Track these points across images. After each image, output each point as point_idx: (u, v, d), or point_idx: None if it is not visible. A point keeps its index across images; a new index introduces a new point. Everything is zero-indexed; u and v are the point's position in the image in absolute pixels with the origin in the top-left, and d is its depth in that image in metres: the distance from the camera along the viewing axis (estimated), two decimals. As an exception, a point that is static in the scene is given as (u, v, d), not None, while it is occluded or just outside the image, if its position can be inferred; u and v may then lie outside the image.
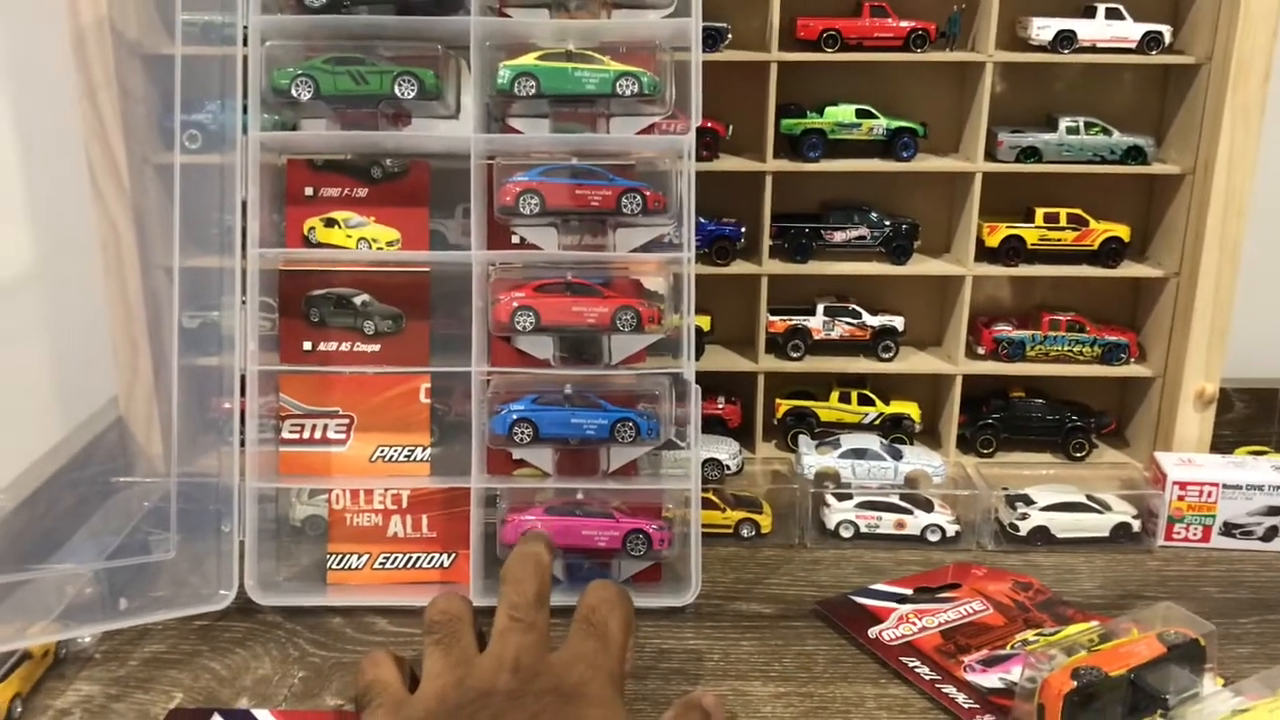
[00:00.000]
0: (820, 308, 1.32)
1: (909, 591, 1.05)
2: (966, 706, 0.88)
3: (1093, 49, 1.22)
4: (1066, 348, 1.30)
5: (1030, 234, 1.27)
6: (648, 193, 1.01)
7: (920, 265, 1.30)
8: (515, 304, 1.01)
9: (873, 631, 0.98)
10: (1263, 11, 1.14)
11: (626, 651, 0.80)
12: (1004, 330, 1.31)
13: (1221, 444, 1.28)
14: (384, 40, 1.02)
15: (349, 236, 1.05)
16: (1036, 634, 0.97)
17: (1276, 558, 1.13)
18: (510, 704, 0.71)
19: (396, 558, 1.06)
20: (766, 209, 1.25)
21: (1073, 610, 1.02)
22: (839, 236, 1.29)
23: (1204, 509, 1.15)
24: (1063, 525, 1.15)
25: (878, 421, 1.32)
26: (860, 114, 1.26)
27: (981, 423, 1.32)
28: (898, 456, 1.23)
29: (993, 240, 1.27)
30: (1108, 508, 1.16)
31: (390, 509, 1.06)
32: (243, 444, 1.00)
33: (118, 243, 1.17)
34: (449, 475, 1.05)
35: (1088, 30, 1.22)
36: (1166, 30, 1.22)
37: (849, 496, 1.17)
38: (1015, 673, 0.88)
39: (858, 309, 1.32)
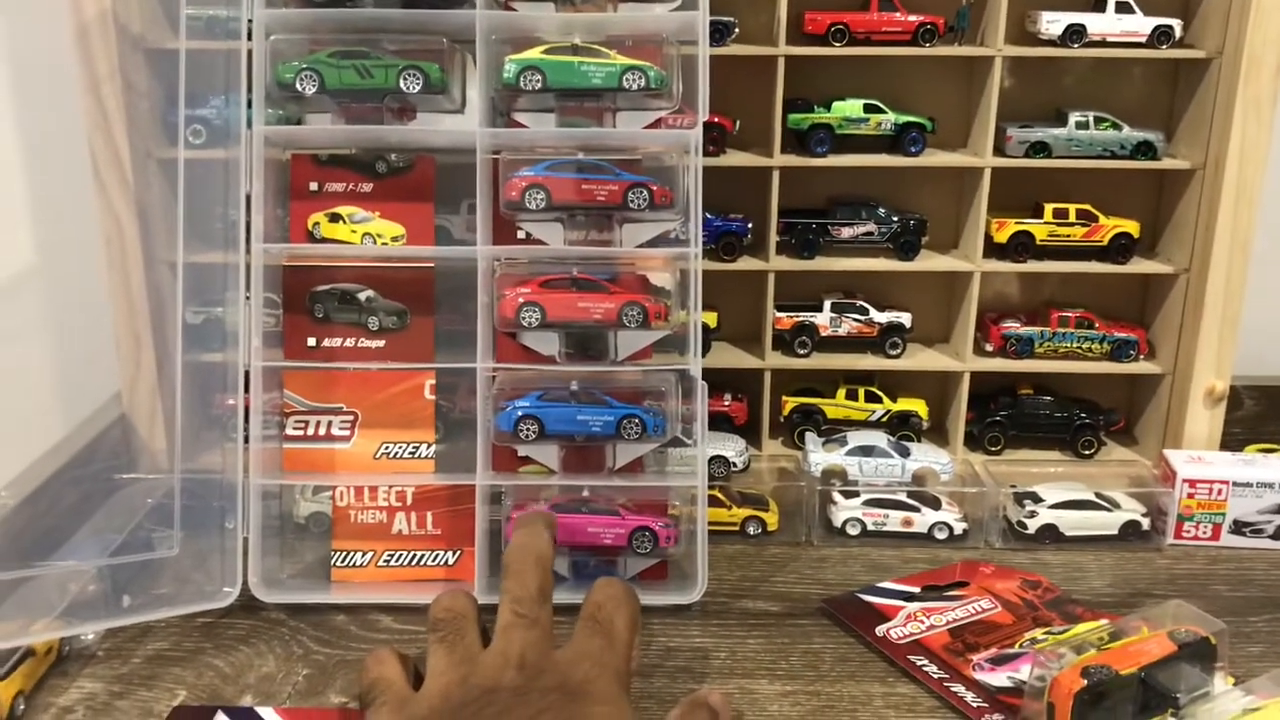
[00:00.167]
0: (827, 304, 1.31)
1: (917, 589, 1.04)
2: (975, 705, 0.87)
3: (1102, 43, 1.22)
4: (1075, 344, 1.30)
5: (1039, 230, 1.27)
6: (654, 188, 1.01)
7: (928, 261, 1.30)
8: (521, 300, 1.01)
9: (880, 630, 0.97)
10: (1274, 5, 1.13)
11: (632, 649, 0.80)
12: (1012, 327, 1.30)
13: (1231, 441, 1.27)
14: (389, 34, 1.02)
15: (354, 232, 1.04)
16: (1045, 632, 0.96)
17: (1287, 556, 1.13)
18: (515, 701, 0.71)
19: (401, 555, 1.05)
20: (774, 204, 1.25)
21: (1082, 608, 1.01)
22: (846, 232, 1.29)
23: (1214, 507, 1.14)
24: (1071, 523, 1.14)
25: (885, 419, 1.32)
26: (868, 109, 1.25)
27: (989, 420, 1.31)
28: (905, 454, 1.22)
29: (1001, 236, 1.27)
30: (1117, 505, 1.15)
31: (395, 506, 1.05)
32: (246, 440, 1.00)
33: (121, 238, 1.17)
34: (454, 472, 1.04)
35: (1097, 24, 1.21)
36: (1177, 24, 1.21)
37: (856, 494, 1.16)
38: (1024, 671, 0.88)
39: (865, 305, 1.31)
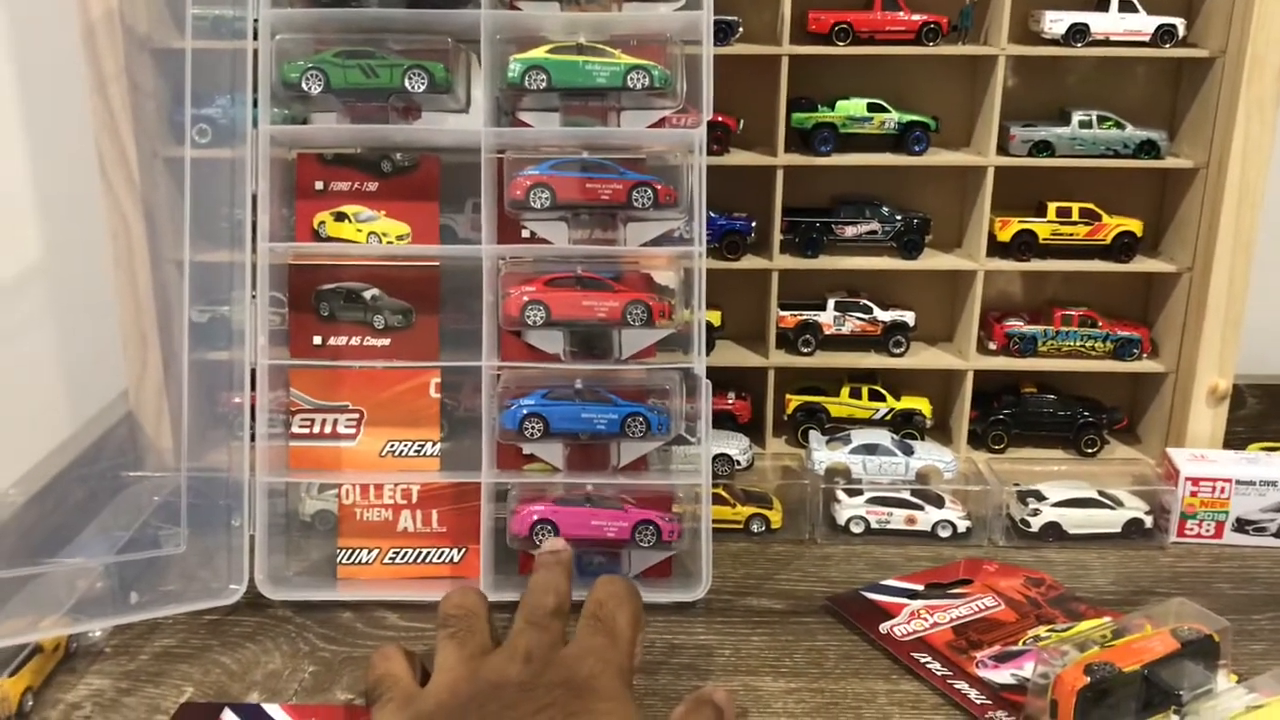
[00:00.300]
0: (831, 303, 1.31)
1: (920, 587, 1.04)
2: (979, 702, 0.88)
3: (1106, 42, 1.22)
4: (1078, 343, 1.30)
5: (1042, 229, 1.27)
6: (658, 187, 1.01)
7: (931, 260, 1.30)
8: (525, 298, 1.01)
9: (884, 627, 0.98)
10: (1277, 4, 1.13)
11: (635, 646, 0.80)
12: (1016, 325, 1.30)
13: (1234, 440, 1.27)
14: (394, 33, 1.02)
15: (359, 231, 1.05)
16: (1049, 630, 0.97)
17: (1290, 554, 1.13)
18: (521, 695, 0.72)
19: (406, 553, 1.06)
20: (777, 203, 1.25)
21: (1085, 606, 1.01)
22: (850, 231, 1.29)
23: (1217, 505, 1.14)
24: (1074, 521, 1.14)
25: (888, 417, 1.32)
26: (872, 108, 1.25)
27: (993, 418, 1.31)
28: (909, 452, 1.23)
29: (1004, 235, 1.27)
30: (1120, 504, 1.15)
31: (400, 504, 1.06)
32: (253, 439, 1.00)
33: (128, 237, 1.17)
34: (459, 470, 1.05)
35: (1101, 23, 1.21)
36: (1180, 23, 1.21)
37: (860, 492, 1.17)
38: (1028, 669, 0.88)
39: (869, 304, 1.31)
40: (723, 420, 1.30)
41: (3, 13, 1.35)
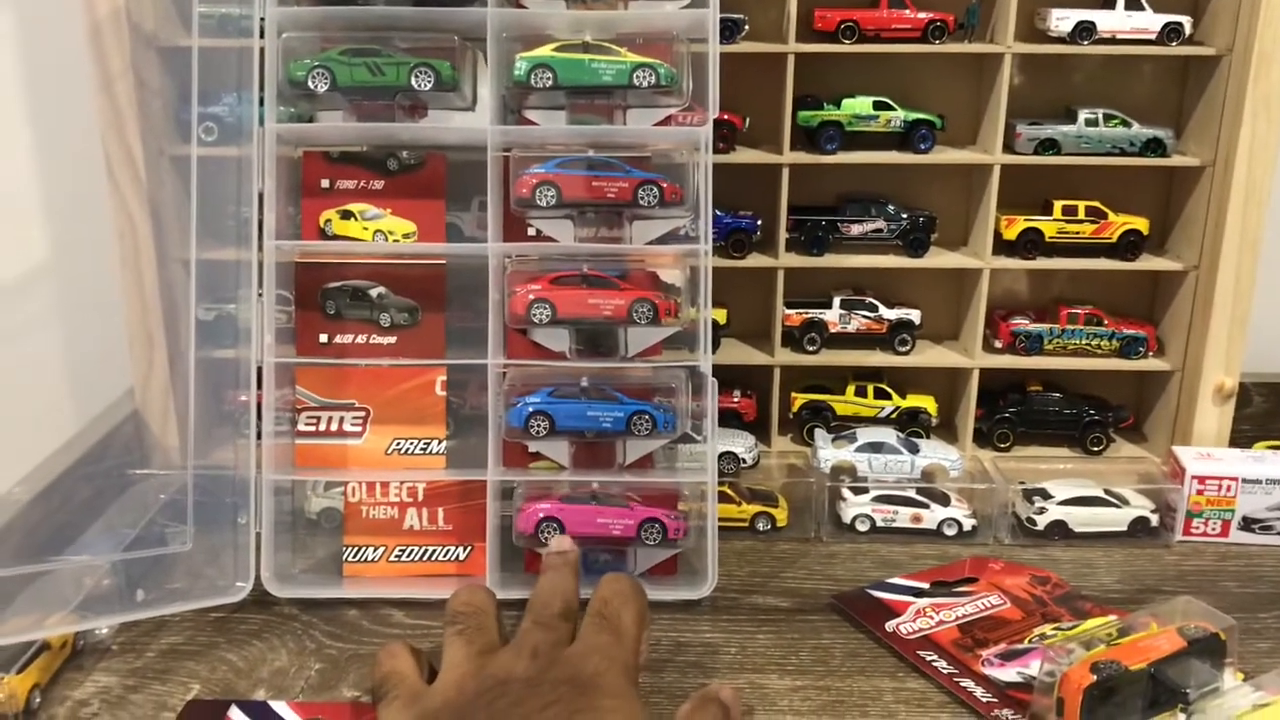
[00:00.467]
0: (836, 301, 1.31)
1: (926, 585, 1.04)
2: (985, 700, 0.88)
3: (1112, 40, 1.21)
4: (1084, 341, 1.30)
5: (1048, 227, 1.27)
6: (664, 185, 1.01)
7: (937, 258, 1.30)
8: (531, 296, 1.01)
9: (890, 625, 0.98)
10: (1284, 2, 1.13)
11: (641, 644, 0.80)
12: (1021, 323, 1.30)
13: (1240, 439, 1.27)
14: (400, 32, 1.02)
15: (365, 229, 1.05)
16: (1055, 628, 0.96)
17: (1297, 553, 1.13)
18: (527, 692, 0.72)
19: (412, 550, 1.06)
20: (783, 201, 1.25)
21: (1091, 604, 1.01)
22: (856, 229, 1.29)
23: (1223, 504, 1.14)
24: (1080, 519, 1.14)
25: (894, 415, 1.32)
26: (878, 106, 1.25)
27: (998, 416, 1.31)
28: (914, 450, 1.23)
29: (1010, 233, 1.27)
30: (1125, 502, 1.15)
31: (406, 502, 1.06)
32: (259, 436, 1.01)
33: (134, 235, 1.17)
34: (465, 468, 1.05)
35: (1107, 21, 1.21)
36: (1187, 21, 1.21)
37: (865, 490, 1.17)
38: (1034, 667, 0.88)
39: (874, 302, 1.31)
40: (728, 418, 1.30)
41: (9, 11, 1.35)
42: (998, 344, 1.31)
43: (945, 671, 0.91)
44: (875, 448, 1.22)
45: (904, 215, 1.29)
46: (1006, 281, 1.35)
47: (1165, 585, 1.07)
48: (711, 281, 1.00)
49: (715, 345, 1.27)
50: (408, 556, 1.06)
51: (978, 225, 1.28)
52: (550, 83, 1.01)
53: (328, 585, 1.04)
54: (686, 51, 1.02)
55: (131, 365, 1.22)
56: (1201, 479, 1.14)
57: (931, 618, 0.99)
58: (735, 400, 1.31)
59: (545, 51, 1.01)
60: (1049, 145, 1.24)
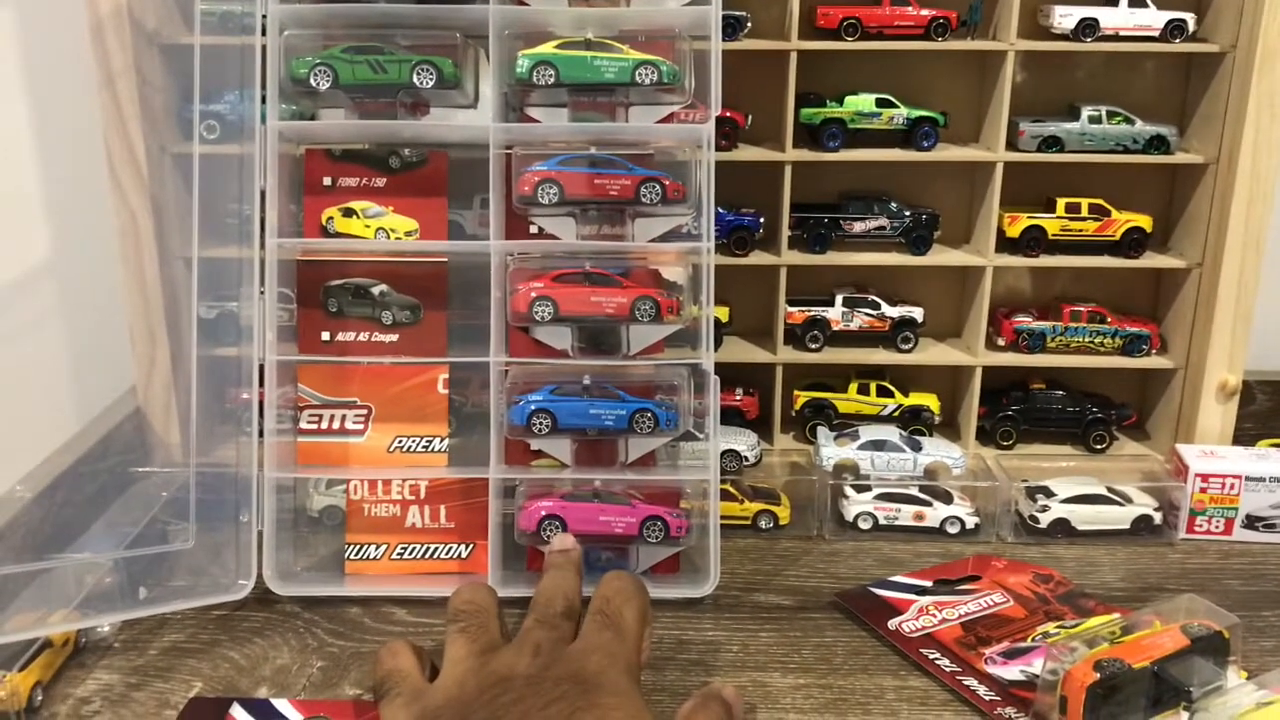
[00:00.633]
0: (839, 299, 1.31)
1: (928, 583, 1.04)
2: (988, 699, 0.87)
3: (1115, 37, 1.21)
4: (1087, 339, 1.30)
5: (1051, 224, 1.27)
6: (667, 182, 1.01)
7: (940, 256, 1.29)
8: (533, 294, 1.01)
9: (892, 623, 0.97)
10: (1289, -1, 1.13)
11: (643, 642, 0.80)
12: (1024, 321, 1.30)
13: (1243, 437, 1.27)
14: (402, 29, 1.02)
15: (367, 226, 1.05)
16: (1058, 626, 0.96)
17: (1300, 551, 1.13)
18: (529, 689, 0.72)
19: (414, 548, 1.06)
20: (786, 199, 1.25)
21: (1094, 602, 1.01)
22: (858, 227, 1.29)
23: (1226, 501, 1.14)
24: (1083, 517, 1.14)
25: (897, 413, 1.32)
26: (880, 103, 1.25)
27: (1001, 414, 1.31)
28: (917, 448, 1.22)
29: (1013, 231, 1.27)
30: (1128, 500, 1.15)
31: (408, 499, 1.06)
32: (261, 434, 1.01)
33: (136, 233, 1.17)
34: (467, 466, 1.05)
35: (1110, 18, 1.21)
36: (1190, 18, 1.21)
37: (868, 488, 1.17)
38: (1037, 665, 0.88)
39: (877, 300, 1.31)
40: (731, 416, 1.30)
41: (11, 9, 1.35)
42: (1000, 342, 1.31)
43: (948, 670, 0.91)
44: (878, 445, 1.22)
45: (907, 213, 1.29)
46: (1009, 279, 1.35)
47: (1168, 583, 1.07)
48: (714, 279, 1.00)
49: (717, 343, 1.26)
50: (410, 554, 1.06)
51: (980, 223, 1.28)
52: (552, 80, 1.01)
53: (330, 583, 1.04)
54: (689, 49, 1.02)
55: (133, 363, 1.22)
56: (1205, 477, 1.14)
57: (934, 616, 0.99)
58: (737, 398, 1.31)
59: (547, 49, 1.01)
60: (1052, 143, 1.24)
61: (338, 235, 1.05)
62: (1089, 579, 1.07)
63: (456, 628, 0.79)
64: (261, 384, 1.01)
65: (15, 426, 1.31)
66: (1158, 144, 1.24)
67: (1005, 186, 1.24)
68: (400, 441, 1.06)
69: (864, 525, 1.15)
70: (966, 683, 0.89)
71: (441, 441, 1.06)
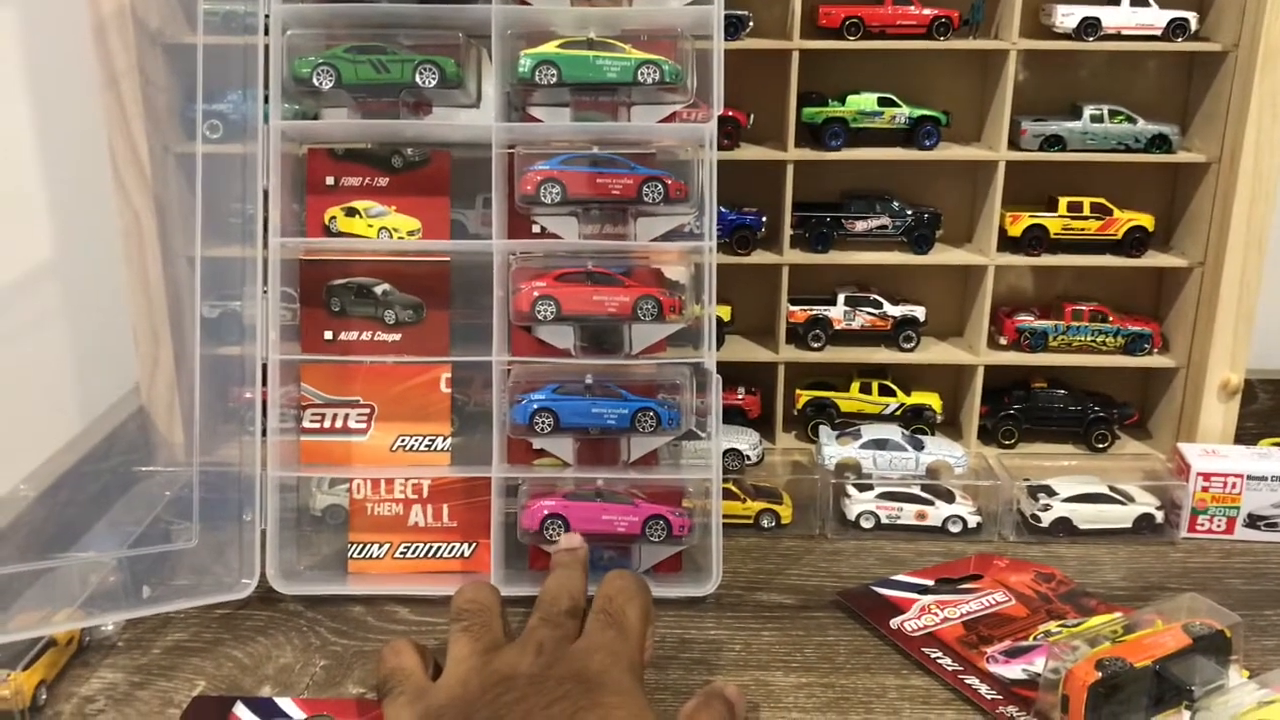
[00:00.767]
0: (841, 298, 1.31)
1: (930, 582, 1.04)
2: (989, 697, 0.88)
3: (1117, 36, 1.21)
4: (1089, 338, 1.30)
5: (1053, 223, 1.27)
6: (669, 182, 1.01)
7: (942, 255, 1.29)
8: (536, 293, 1.01)
9: (894, 622, 0.98)
10: (1291, -2, 1.13)
11: (645, 641, 0.80)
12: (1026, 320, 1.30)
13: (1245, 436, 1.27)
14: (405, 29, 1.02)
15: (370, 226, 1.05)
16: (1059, 625, 0.96)
17: (1302, 550, 1.13)
18: (532, 688, 0.72)
19: (417, 547, 1.06)
20: (788, 198, 1.25)
21: (1096, 601, 1.01)
22: (860, 226, 1.29)
23: (1228, 500, 1.14)
24: (1085, 516, 1.14)
25: (899, 412, 1.32)
26: (882, 102, 1.25)
27: (1003, 413, 1.31)
28: (919, 447, 1.22)
29: (1015, 230, 1.27)
30: (1130, 499, 1.15)
31: (411, 498, 1.06)
32: (264, 433, 1.01)
33: (139, 232, 1.18)
34: (469, 465, 1.05)
35: (1112, 17, 1.21)
36: (1192, 17, 1.21)
37: (870, 487, 1.17)
38: (1038, 664, 0.88)
39: (879, 299, 1.31)
40: (733, 415, 1.30)
41: (14, 9, 1.35)
42: (1002, 341, 1.31)
43: (950, 668, 0.91)
44: (880, 444, 1.22)
45: (909, 212, 1.29)
46: (1011, 278, 1.35)
47: (1170, 582, 1.07)
48: (716, 278, 1.00)
49: (719, 342, 1.26)
50: (412, 553, 1.06)
51: (982, 222, 1.28)
52: (555, 79, 1.01)
53: (333, 582, 1.04)
54: (691, 48, 1.02)
55: (137, 362, 1.22)
56: (1207, 476, 1.14)
57: (936, 615, 0.99)
58: (740, 397, 1.31)
59: (550, 48, 1.01)
60: (1054, 142, 1.24)
61: (340, 235, 1.05)
62: (1091, 578, 1.07)
63: (459, 627, 0.79)
64: (264, 383, 1.01)
65: (19, 426, 1.31)
66: (1160, 143, 1.24)
67: (1007, 185, 1.24)
68: (403, 440, 1.06)
69: (866, 524, 1.15)
70: (968, 682, 0.90)
71: (444, 441, 1.06)
